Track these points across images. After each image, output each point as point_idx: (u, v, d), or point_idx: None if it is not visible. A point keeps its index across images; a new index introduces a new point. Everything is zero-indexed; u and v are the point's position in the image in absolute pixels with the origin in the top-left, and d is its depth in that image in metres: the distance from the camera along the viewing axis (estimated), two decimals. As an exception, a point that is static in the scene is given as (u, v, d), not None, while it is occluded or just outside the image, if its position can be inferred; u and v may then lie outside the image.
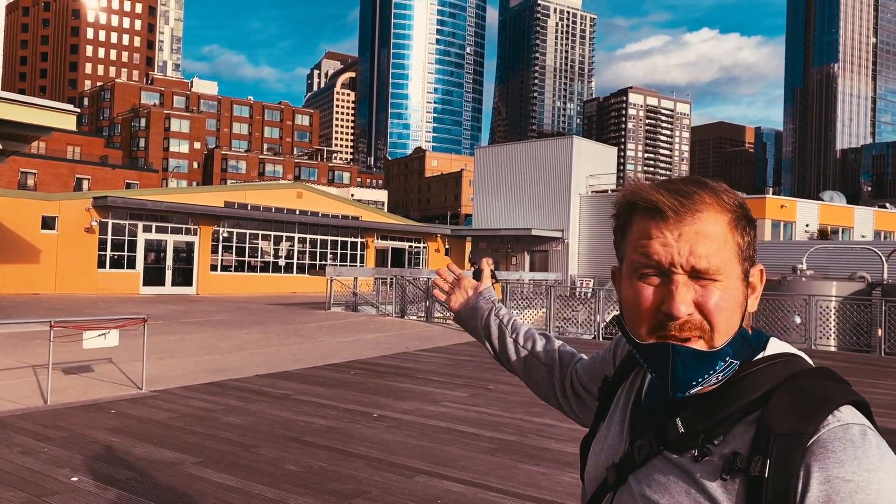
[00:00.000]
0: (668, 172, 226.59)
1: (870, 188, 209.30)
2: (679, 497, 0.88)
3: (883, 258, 19.09)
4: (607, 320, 17.74)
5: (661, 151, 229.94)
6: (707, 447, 0.88)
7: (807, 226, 33.86)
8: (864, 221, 35.68)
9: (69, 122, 14.69)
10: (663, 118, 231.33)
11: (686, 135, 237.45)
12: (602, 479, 1.02)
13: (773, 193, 48.33)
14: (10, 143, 15.98)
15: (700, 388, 0.91)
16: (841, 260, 23.78)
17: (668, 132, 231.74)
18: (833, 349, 14.17)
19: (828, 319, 14.59)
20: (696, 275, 0.90)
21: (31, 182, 57.34)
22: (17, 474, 5.06)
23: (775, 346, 0.96)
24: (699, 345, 0.90)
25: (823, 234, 33.31)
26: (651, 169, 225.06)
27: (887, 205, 42.40)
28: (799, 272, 17.86)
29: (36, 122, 14.24)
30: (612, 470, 0.99)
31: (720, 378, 0.91)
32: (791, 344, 0.98)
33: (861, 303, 14.31)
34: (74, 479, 5.00)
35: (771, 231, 32.36)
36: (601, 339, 16.19)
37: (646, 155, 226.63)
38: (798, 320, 14.24)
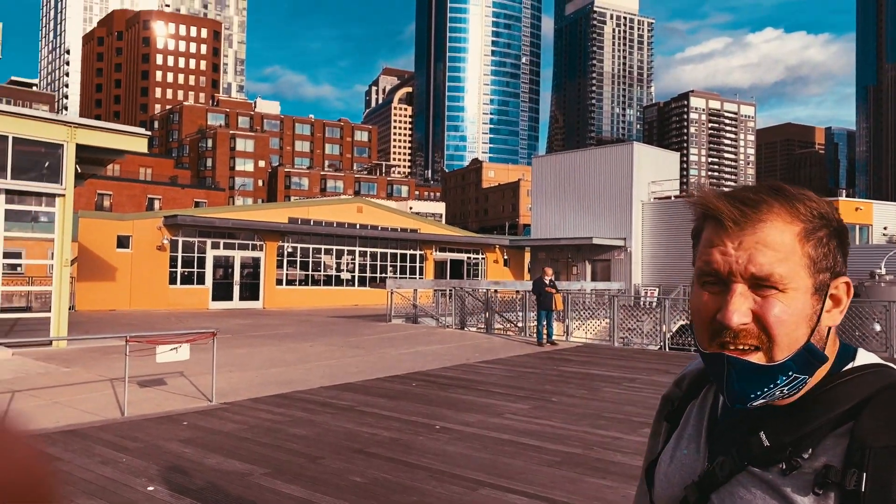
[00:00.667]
0: (733, 177, 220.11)
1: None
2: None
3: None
4: (674, 330, 17.29)
5: (726, 155, 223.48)
6: (795, 460, 0.85)
7: (885, 229, 32.22)
8: (949, 223, 33.70)
9: (141, 145, 15.38)
10: (727, 121, 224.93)
11: (751, 138, 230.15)
12: (679, 499, 0.99)
13: (847, 195, 46.22)
14: (88, 167, 16.82)
15: (765, 400, 0.89)
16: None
17: (733, 136, 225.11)
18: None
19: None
20: (756, 284, 0.87)
21: (107, 203, 60.22)
22: (97, 483, 5.29)
23: (864, 357, 0.93)
24: (757, 357, 0.87)
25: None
26: (716, 173, 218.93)
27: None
28: (878, 277, 17.02)
29: (112, 146, 14.96)
30: (693, 489, 0.96)
31: (786, 392, 0.89)
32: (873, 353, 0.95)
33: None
34: (150, 488, 5.18)
35: (846, 235, 30.92)
36: (667, 349, 15.78)
37: (710, 159, 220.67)
38: (878, 328, 13.53)
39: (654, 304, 19.30)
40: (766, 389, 0.87)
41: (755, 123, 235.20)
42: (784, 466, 0.86)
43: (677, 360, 13.21)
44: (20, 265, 28.53)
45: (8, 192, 13.59)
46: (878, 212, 32.78)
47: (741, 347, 0.87)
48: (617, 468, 5.76)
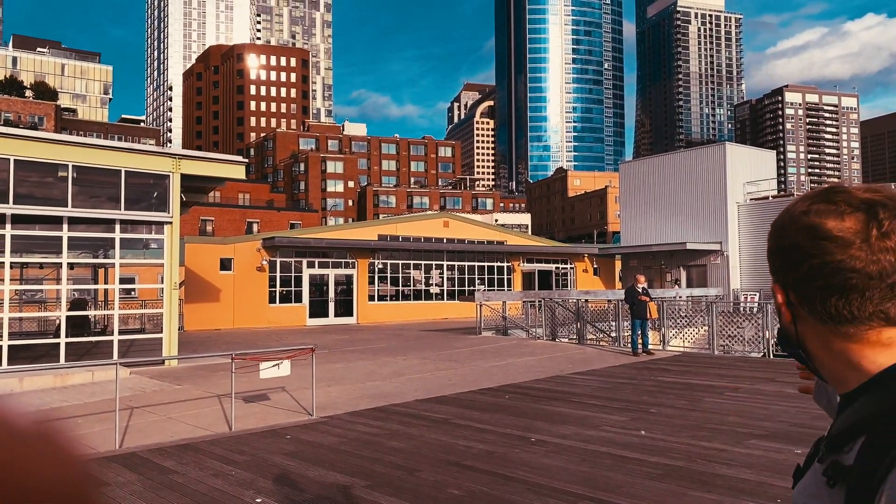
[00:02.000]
0: (836, 173, 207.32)
1: None
2: (811, 499, 0.92)
3: None
4: (777, 336, 16.42)
5: (827, 151, 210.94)
6: (828, 452, 0.89)
7: None
8: None
9: (240, 172, 16.19)
10: (826, 115, 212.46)
11: (855, 131, 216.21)
12: None
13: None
14: (192, 195, 17.86)
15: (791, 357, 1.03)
16: None
17: (834, 130, 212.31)
18: None
19: None
20: None
21: (209, 228, 63.61)
22: (210, 495, 5.58)
23: None
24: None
25: None
26: (817, 170, 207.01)
27: None
28: None
29: (213, 174, 15.85)
30: (797, 473, 1.03)
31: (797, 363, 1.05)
32: None
33: None
34: (259, 500, 5.41)
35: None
36: (772, 356, 15.00)
37: (810, 156, 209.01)
38: None
39: (755, 309, 18.42)
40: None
41: (858, 115, 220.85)
42: (822, 456, 0.91)
43: (782, 368, 12.53)
44: (134, 290, 30.57)
45: (122, 221, 14.63)
46: None
47: None
48: (722, 481, 5.53)
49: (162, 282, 15.20)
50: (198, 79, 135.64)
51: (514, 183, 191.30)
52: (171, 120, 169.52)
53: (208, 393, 10.78)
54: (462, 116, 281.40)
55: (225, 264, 28.33)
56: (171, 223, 14.95)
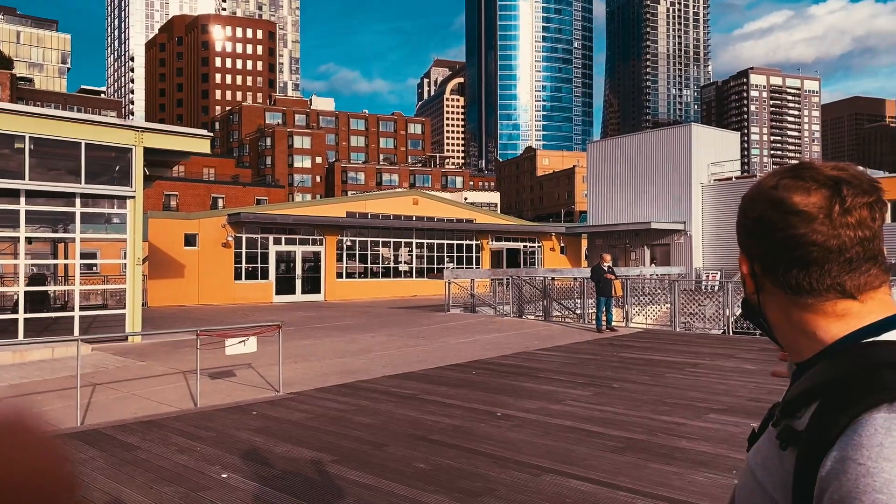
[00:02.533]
0: (797, 155, 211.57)
1: None
2: (760, 459, 0.96)
3: None
4: (737, 314, 16.83)
5: (790, 133, 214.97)
6: (781, 417, 0.92)
7: None
8: None
9: (205, 146, 15.90)
10: (789, 98, 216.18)
11: (816, 114, 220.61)
12: None
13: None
14: (155, 169, 17.50)
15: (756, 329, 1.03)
16: None
17: (796, 112, 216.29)
18: None
19: None
20: None
21: (173, 203, 62.47)
22: (174, 471, 5.56)
23: (893, 334, 0.91)
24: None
25: None
26: (779, 152, 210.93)
27: None
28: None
29: (177, 148, 15.53)
30: (753, 439, 1.06)
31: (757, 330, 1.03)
32: None
33: None
34: (224, 475, 5.41)
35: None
36: (731, 333, 15.40)
37: (773, 138, 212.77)
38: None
39: (717, 287, 18.84)
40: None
41: (820, 98, 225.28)
42: (777, 422, 0.93)
43: (742, 344, 12.87)
44: (96, 265, 29.97)
45: (83, 195, 14.28)
46: None
47: None
48: (681, 454, 5.70)
49: (125, 257, 14.93)
50: (161, 50, 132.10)
51: (483, 161, 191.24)
52: (132, 92, 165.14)
53: (173, 369, 10.68)
54: (432, 93, 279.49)
55: (189, 240, 27.90)
56: (133, 198, 14.64)
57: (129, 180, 14.66)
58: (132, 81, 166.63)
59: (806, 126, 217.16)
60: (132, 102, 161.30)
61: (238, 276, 29.06)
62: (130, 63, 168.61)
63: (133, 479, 5.35)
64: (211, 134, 16.55)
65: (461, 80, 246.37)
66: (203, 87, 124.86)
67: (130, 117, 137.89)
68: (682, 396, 8.09)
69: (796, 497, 0.84)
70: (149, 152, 15.06)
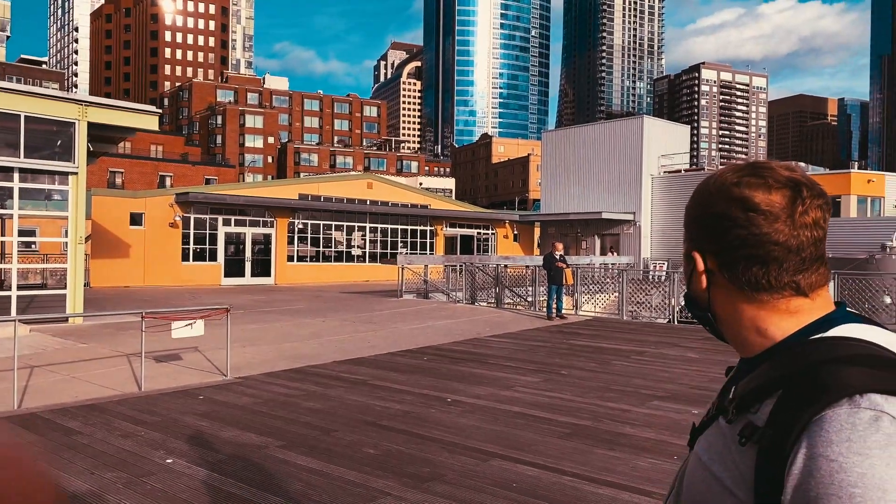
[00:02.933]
0: (744, 150, 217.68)
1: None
2: (714, 454, 0.95)
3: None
4: (682, 303, 17.26)
5: (737, 128, 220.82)
6: (737, 412, 0.92)
7: None
8: (963, 194, 33.29)
9: (152, 123, 15.43)
10: (738, 94, 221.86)
11: (763, 110, 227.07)
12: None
13: (859, 167, 45.77)
14: (100, 145, 16.90)
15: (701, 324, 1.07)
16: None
17: (744, 108, 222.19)
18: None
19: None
20: None
21: (119, 181, 60.55)
22: (117, 456, 5.43)
23: (844, 330, 0.93)
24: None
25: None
26: (727, 146, 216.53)
27: None
28: (889, 250, 16.91)
29: (123, 123, 15.02)
30: (693, 434, 1.06)
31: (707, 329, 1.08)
32: (882, 326, 0.95)
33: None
34: (169, 460, 5.31)
35: (857, 207, 30.69)
36: (676, 322, 15.82)
37: (721, 132, 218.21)
38: (888, 300, 13.51)
39: (663, 277, 19.31)
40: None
41: (767, 95, 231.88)
42: (731, 416, 0.93)
43: (686, 334, 13.25)
44: (34, 243, 28.85)
45: (21, 170, 13.71)
46: (890, 184, 32.40)
47: None
48: (626, 440, 5.85)
49: (66, 235, 14.41)
50: (107, 21, 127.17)
51: (439, 147, 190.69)
52: (76, 63, 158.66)
53: (116, 352, 10.40)
54: (389, 76, 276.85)
55: (135, 219, 27.13)
56: (76, 174, 14.13)
57: (72, 156, 14.13)
58: (76, 53, 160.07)
59: (753, 122, 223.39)
60: (76, 75, 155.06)
61: (186, 258, 28.42)
62: (74, 34, 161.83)
63: (73, 464, 5.21)
64: (159, 110, 16.06)
65: (418, 63, 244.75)
66: (152, 62, 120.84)
67: (74, 90, 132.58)
68: (628, 384, 8.28)
69: (759, 493, 0.85)
70: (93, 127, 14.53)
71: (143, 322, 8.49)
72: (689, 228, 1.05)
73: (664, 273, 20.70)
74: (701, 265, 1.02)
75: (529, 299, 18.21)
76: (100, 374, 8.93)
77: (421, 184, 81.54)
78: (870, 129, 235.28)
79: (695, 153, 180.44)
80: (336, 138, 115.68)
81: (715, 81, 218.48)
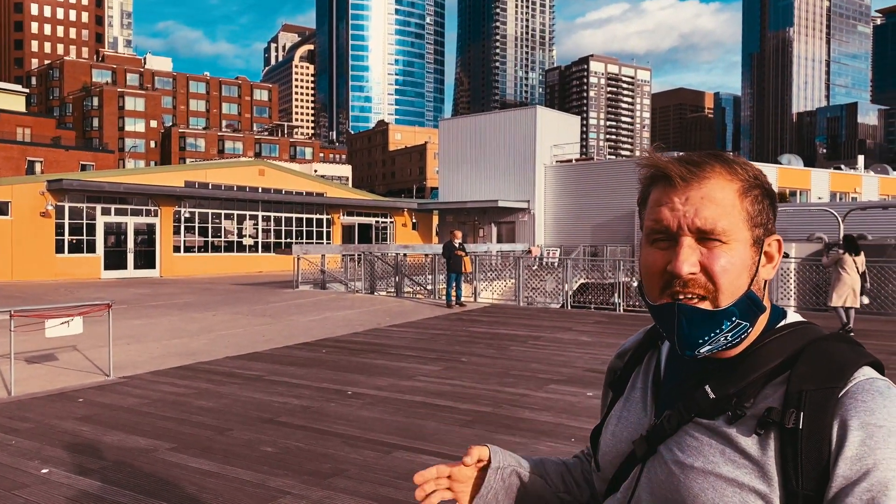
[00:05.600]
0: (629, 140, 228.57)
1: (825, 150, 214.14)
2: (713, 457, 0.92)
3: (839, 219, 19.61)
4: (574, 288, 17.93)
5: (623, 119, 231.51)
6: (741, 408, 0.92)
7: (819, 198, 34.76)
8: (820, 183, 36.52)
9: (18, 103, 14.18)
10: (624, 86, 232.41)
11: (647, 102, 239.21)
12: (625, 454, 1.05)
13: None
14: (-45, 127, 15.34)
15: (711, 347, 0.95)
16: (799, 222, 24.36)
17: (630, 100, 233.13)
18: (792, 309, 14.50)
19: (788, 280, 14.98)
20: (702, 237, 0.95)
21: (-21, 166, 55.33)
22: (-16, 469, 4.95)
23: (793, 317, 1.03)
24: (704, 305, 0.94)
25: (782, 197, 34.03)
26: (613, 136, 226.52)
27: (842, 166, 43.45)
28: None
29: (-18, 104, 13.68)
30: (642, 442, 1.02)
31: (730, 338, 0.95)
32: None
33: (819, 264, 14.69)
34: (45, 470, 4.90)
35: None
36: (569, 307, 16.38)
37: (608, 123, 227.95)
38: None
39: (556, 264, 19.92)
40: (712, 334, 0.94)
41: (651, 88, 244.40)
42: (731, 415, 0.93)
43: (579, 318, 13.75)
44: None
45: None
46: (815, 178, 35.82)
47: (689, 297, 0.95)
48: (525, 424, 5.97)
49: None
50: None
51: (334, 133, 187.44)
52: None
53: (-19, 354, 9.51)
54: (280, 59, 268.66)
55: (1, 208, 24.94)
56: (-72, 159, 12.74)
57: (-77, 139, 12.72)
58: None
59: (638, 113, 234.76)
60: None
61: (60, 250, 26.46)
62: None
63: (-70, 482, 4.70)
64: (26, 90, 14.79)
65: (311, 46, 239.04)
66: (16, 37, 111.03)
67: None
68: (526, 368, 8.47)
69: (793, 476, 0.86)
70: (-52, 107, 13.15)
71: (13, 321, 7.79)
72: (758, 206, 0.99)
73: (557, 259, 21.38)
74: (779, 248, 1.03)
75: (429, 287, 18.29)
76: (-39, 379, 8.13)
77: (316, 171, 79.96)
78: (741, 122, 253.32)
79: (584, 143, 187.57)
80: (224, 123, 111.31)
81: (603, 73, 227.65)
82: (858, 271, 10.73)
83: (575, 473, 1.23)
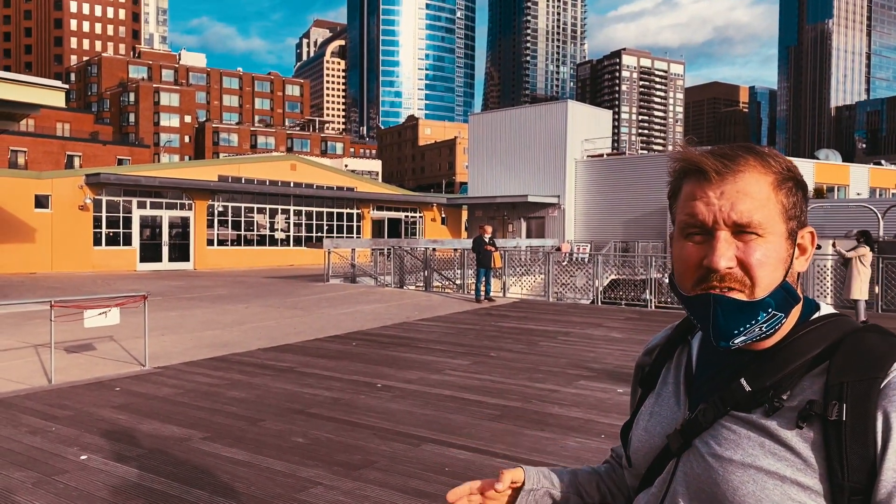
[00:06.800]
0: (662, 135, 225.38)
1: (864, 145, 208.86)
2: (752, 450, 0.91)
3: (879, 215, 19.12)
4: (605, 284, 17.78)
5: (656, 113, 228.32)
6: (779, 400, 0.92)
7: (857, 194, 34.02)
8: (859, 179, 35.64)
9: (58, 99, 14.49)
10: (657, 80, 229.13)
11: (680, 96, 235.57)
12: (659, 449, 1.04)
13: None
14: (0, 122, 15.78)
15: (745, 338, 0.95)
16: (837, 218, 23.81)
17: (662, 94, 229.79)
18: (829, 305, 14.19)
19: (824, 277, 14.65)
20: (738, 230, 0.94)
21: (21, 160, 56.84)
22: (26, 454, 5.09)
23: (826, 309, 1.02)
24: (740, 297, 0.94)
25: (819, 193, 33.26)
26: (646, 131, 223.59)
27: (882, 162, 42.34)
28: None
29: (25, 99, 14.03)
30: (676, 436, 1.01)
31: (765, 329, 0.95)
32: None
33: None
34: (84, 457, 5.03)
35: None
36: (599, 303, 16.25)
37: (640, 117, 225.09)
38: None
39: (587, 259, 19.78)
40: (748, 325, 0.94)
41: (684, 82, 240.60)
42: (768, 407, 0.92)
43: (609, 314, 13.63)
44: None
45: None
46: (854, 173, 35.04)
47: (726, 287, 0.94)
48: (554, 420, 5.95)
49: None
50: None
51: (364, 128, 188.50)
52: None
53: (22, 343, 9.79)
54: (311, 54, 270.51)
55: (41, 201, 25.58)
56: (-27, 153, 13.11)
57: (-32, 133, 13.10)
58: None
59: (671, 108, 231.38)
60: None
61: (98, 242, 27.06)
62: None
63: (-25, 466, 4.85)
64: (66, 86, 15.10)
65: (342, 42, 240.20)
66: (56, 34, 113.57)
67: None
68: (555, 364, 8.44)
69: (838, 466, 0.86)
70: (-9, 103, 13.51)
71: (53, 311, 8.00)
72: (798, 202, 0.99)
73: (587, 255, 21.21)
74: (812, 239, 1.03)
75: (458, 282, 18.30)
76: (5, 366, 8.37)
77: (346, 166, 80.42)
78: (777, 116, 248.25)
79: (616, 138, 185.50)
80: (257, 118, 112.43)
81: (635, 67, 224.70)
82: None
83: (608, 481, 1.23)
